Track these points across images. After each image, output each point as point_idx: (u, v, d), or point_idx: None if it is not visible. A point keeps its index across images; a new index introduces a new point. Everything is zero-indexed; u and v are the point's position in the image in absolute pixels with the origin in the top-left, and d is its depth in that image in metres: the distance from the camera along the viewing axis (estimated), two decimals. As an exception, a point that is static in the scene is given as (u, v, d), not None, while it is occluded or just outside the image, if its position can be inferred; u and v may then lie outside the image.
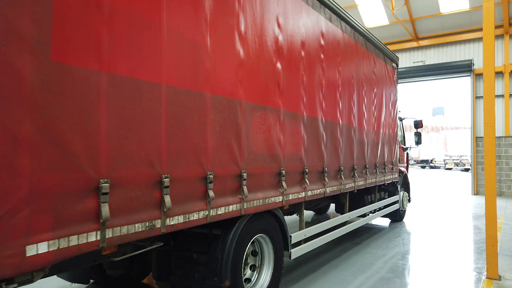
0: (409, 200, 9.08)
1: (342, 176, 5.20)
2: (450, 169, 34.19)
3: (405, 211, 8.88)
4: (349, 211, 5.83)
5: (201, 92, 2.80)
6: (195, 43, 2.75)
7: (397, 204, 8.15)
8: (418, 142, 9.50)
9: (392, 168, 7.56)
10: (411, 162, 41.10)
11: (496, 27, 13.47)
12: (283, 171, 3.82)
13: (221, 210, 2.96)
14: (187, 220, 2.64)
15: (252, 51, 3.41)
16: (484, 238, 7.00)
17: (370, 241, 6.71)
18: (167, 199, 2.45)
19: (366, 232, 7.45)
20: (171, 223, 2.51)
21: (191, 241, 3.28)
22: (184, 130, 2.63)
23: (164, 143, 2.48)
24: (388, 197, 7.86)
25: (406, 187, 9.03)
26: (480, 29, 14.32)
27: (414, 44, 15.82)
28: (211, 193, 2.82)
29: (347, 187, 5.39)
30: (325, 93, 4.79)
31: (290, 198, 3.96)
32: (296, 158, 4.13)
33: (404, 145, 9.47)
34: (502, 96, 13.96)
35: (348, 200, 5.79)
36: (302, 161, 4.24)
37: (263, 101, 3.58)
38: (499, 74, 13.90)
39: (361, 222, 6.20)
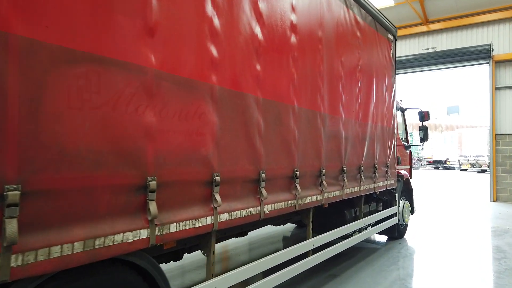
0: (412, 212, 7.20)
1: (297, 185, 3.42)
2: (466, 170, 31.91)
3: (406, 225, 7.02)
4: (316, 235, 4.04)
5: None
6: None
7: (394, 218, 6.31)
8: (424, 138, 7.61)
9: (387, 172, 5.73)
10: (423, 162, 38.91)
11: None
12: (152, 183, 2.07)
13: None
14: None
15: None
16: (510, 267, 5.14)
17: (353, 272, 4.90)
18: None
19: (352, 256, 5.63)
20: None
21: None
22: None
23: None
24: (383, 209, 6.05)
25: (408, 195, 7.17)
26: (501, 9, 12.31)
27: (424, 28, 13.85)
28: None
29: (307, 201, 3.61)
30: (264, 55, 3.03)
31: (172, 230, 2.21)
32: (192, 159, 2.38)
33: (407, 142, 7.61)
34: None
35: (312, 219, 3.97)
36: (208, 163, 2.49)
37: (93, 47, 1.82)
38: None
39: (334, 249, 4.37)
